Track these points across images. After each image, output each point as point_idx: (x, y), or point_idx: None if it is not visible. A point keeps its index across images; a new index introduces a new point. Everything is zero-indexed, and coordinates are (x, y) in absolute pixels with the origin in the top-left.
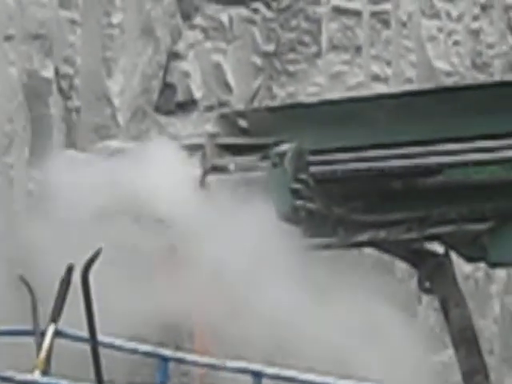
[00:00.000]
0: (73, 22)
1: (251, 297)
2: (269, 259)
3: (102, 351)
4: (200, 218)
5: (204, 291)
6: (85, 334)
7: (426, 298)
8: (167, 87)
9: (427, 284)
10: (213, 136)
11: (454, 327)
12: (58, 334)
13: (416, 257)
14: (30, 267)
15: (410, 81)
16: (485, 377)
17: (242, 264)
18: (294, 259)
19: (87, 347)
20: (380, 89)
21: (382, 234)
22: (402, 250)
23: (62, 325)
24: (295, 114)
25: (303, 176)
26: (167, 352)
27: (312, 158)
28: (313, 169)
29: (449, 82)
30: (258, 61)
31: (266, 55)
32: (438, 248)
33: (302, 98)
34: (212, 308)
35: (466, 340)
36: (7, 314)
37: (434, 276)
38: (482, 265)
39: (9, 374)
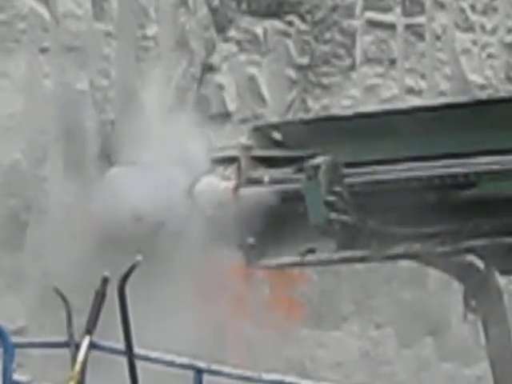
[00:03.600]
0: (107, 34)
1: None
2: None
3: (137, 363)
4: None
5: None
6: (120, 346)
7: (459, 311)
8: (201, 100)
9: (473, 302)
10: (247, 148)
11: (492, 346)
12: (92, 346)
13: (461, 271)
14: (66, 280)
15: (443, 94)
16: None
17: None
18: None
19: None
20: (414, 102)
21: (416, 246)
22: (446, 264)
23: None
24: (329, 127)
25: (338, 188)
26: (202, 364)
27: (346, 171)
28: (347, 181)
29: (483, 95)
30: (293, 73)
31: (300, 68)
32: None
33: (336, 111)
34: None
35: (503, 360)
36: (42, 325)
37: (478, 292)
38: None
39: None
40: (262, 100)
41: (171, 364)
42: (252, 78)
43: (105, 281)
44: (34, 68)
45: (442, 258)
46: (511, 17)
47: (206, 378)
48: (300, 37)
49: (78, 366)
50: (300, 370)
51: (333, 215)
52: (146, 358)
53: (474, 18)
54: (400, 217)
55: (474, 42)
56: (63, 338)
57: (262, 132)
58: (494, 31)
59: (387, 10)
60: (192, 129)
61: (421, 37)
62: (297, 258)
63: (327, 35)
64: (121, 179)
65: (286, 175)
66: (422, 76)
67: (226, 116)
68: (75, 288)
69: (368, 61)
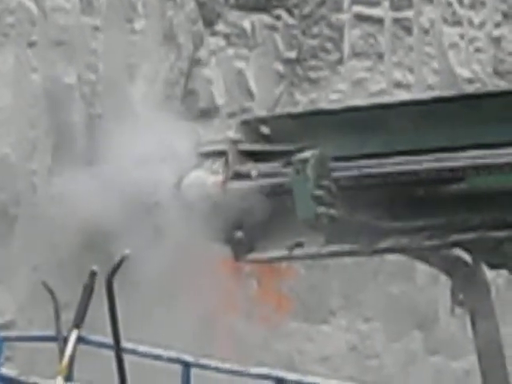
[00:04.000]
0: (95, 28)
1: None
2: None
3: (125, 357)
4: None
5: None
6: (108, 339)
7: (447, 305)
8: (189, 94)
9: (461, 296)
10: (235, 142)
11: (479, 340)
12: (80, 340)
13: (449, 265)
14: (55, 274)
15: (431, 88)
16: None
17: None
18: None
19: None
20: (402, 96)
21: (404, 240)
22: (434, 258)
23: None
24: (317, 121)
25: (326, 183)
26: (190, 358)
27: (334, 165)
28: (335, 175)
29: (470, 89)
30: (280, 67)
31: (288, 62)
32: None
33: (324, 105)
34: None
35: (490, 353)
36: (31, 320)
37: (466, 286)
38: (504, 271)
39: (32, 379)
40: (250, 94)
41: (159, 358)
42: (240, 72)
43: (93, 275)
44: (22, 62)
45: (430, 252)
46: (499, 11)
47: (194, 371)
48: (288, 31)
49: (65, 360)
50: (288, 363)
51: (321, 209)
52: (134, 352)
53: (461, 12)
54: (388, 211)
55: (462, 36)
56: (51, 332)
57: (249, 126)
58: (481, 25)
59: (375, 4)
60: (180, 123)
61: (408, 31)
62: (285, 252)
63: (315, 29)
64: (108, 173)
65: (273, 169)
66: (410, 70)
67: (213, 110)
68: (64, 282)
69: (356, 55)
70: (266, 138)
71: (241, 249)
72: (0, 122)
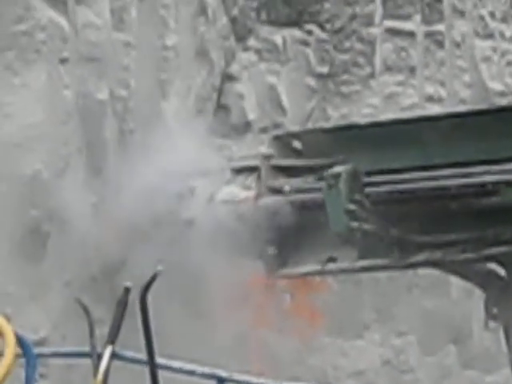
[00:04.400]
0: (127, 44)
1: None
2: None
3: (159, 373)
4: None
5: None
6: (142, 355)
7: (481, 319)
8: (221, 109)
9: (495, 310)
10: (267, 157)
11: None
12: (114, 355)
13: (482, 279)
14: (89, 290)
15: (463, 101)
16: None
17: None
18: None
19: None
20: (434, 110)
21: (437, 254)
22: (468, 271)
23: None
24: (349, 135)
25: (358, 197)
26: (224, 373)
27: (367, 179)
28: (368, 190)
29: (503, 102)
30: (312, 82)
31: (319, 77)
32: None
33: (356, 119)
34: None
35: None
36: (64, 336)
37: (499, 300)
38: None
39: None
40: (282, 109)
41: (193, 373)
42: (272, 87)
43: (127, 291)
44: (54, 78)
45: (464, 266)
46: None
47: None
48: (319, 45)
49: (100, 377)
50: (322, 378)
51: (354, 224)
52: (168, 368)
53: (493, 25)
54: (421, 225)
55: (494, 50)
56: (86, 349)
57: (282, 141)
58: None
59: (407, 18)
60: (212, 139)
61: (440, 44)
62: (318, 267)
63: (347, 44)
64: (142, 189)
65: (306, 184)
66: (442, 84)
67: (246, 125)
68: (97, 298)
69: (388, 69)
70: (299, 153)
71: (273, 264)
72: (32, 139)
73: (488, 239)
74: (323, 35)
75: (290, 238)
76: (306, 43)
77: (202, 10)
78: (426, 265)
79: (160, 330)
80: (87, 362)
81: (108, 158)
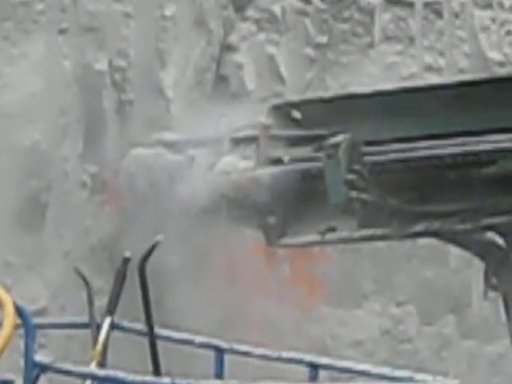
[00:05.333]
0: (126, 14)
1: None
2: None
3: (159, 344)
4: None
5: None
6: (141, 326)
7: (480, 288)
8: (220, 79)
9: (494, 280)
10: (266, 127)
11: None
12: (114, 326)
13: (482, 248)
14: (88, 260)
15: (463, 71)
16: None
17: None
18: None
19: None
20: (433, 79)
21: (436, 224)
22: (467, 241)
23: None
24: (349, 105)
25: (357, 167)
26: (223, 344)
27: (366, 149)
28: (367, 159)
29: (502, 72)
30: (311, 52)
31: (318, 46)
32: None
33: (355, 89)
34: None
35: None
36: (63, 306)
37: (499, 270)
38: None
39: (66, 366)
40: (281, 79)
41: (192, 344)
42: (271, 57)
43: (126, 261)
44: (53, 49)
45: (463, 236)
46: None
47: (227, 357)
48: (318, 15)
49: (99, 347)
50: (321, 348)
51: (353, 193)
52: (167, 338)
53: None
54: (420, 195)
55: (493, 20)
56: (85, 319)
57: (281, 111)
58: None
59: None
60: (211, 109)
61: (439, 14)
62: (317, 237)
63: (346, 13)
64: (141, 159)
65: (305, 154)
66: (441, 54)
67: (245, 95)
68: (96, 268)
69: (387, 39)
70: (298, 123)
71: (273, 234)
72: (31, 109)
73: (487, 209)
74: (322, 5)
75: (290, 208)
76: (304, 13)
77: None
78: (425, 234)
79: (159, 301)
80: (86, 332)
81: (107, 129)
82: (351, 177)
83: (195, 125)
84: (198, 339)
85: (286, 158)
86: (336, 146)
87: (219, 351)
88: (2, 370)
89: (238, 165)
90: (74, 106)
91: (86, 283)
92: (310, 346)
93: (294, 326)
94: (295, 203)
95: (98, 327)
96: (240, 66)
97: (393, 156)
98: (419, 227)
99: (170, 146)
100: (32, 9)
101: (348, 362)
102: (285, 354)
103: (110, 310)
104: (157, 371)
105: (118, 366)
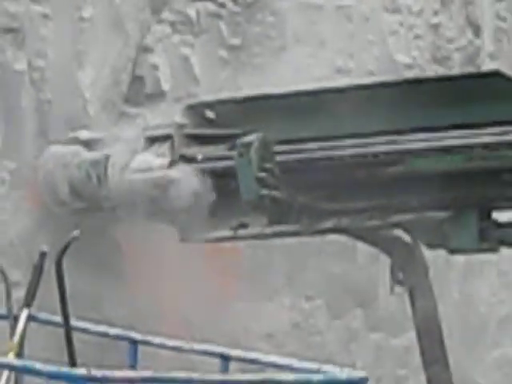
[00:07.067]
0: (45, 16)
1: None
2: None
3: (74, 335)
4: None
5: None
6: (58, 318)
7: (387, 283)
8: (136, 79)
9: (400, 275)
10: (181, 126)
11: (418, 317)
12: (31, 318)
13: (388, 245)
14: (6, 253)
15: (372, 73)
16: (445, 366)
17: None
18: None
19: (60, 331)
20: (343, 81)
21: (345, 221)
22: (374, 238)
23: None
24: (261, 105)
25: (269, 165)
26: (136, 335)
27: (277, 148)
28: (278, 158)
29: (409, 74)
30: (225, 54)
31: (232, 48)
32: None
33: (268, 90)
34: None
35: (429, 330)
36: None
37: (405, 265)
38: (442, 252)
39: None
40: (196, 80)
41: (107, 335)
42: (185, 59)
43: (43, 255)
44: None
45: (371, 233)
46: None
47: (141, 348)
48: (232, 18)
49: (16, 338)
50: (233, 340)
51: (264, 191)
52: (82, 330)
53: (400, 0)
54: (329, 193)
55: (401, 24)
56: (2, 311)
57: (195, 110)
58: (420, 13)
59: None
60: (127, 108)
61: (349, 18)
62: (230, 233)
63: (259, 16)
64: (58, 157)
65: (218, 152)
66: (351, 56)
67: (160, 95)
68: (15, 263)
69: (298, 41)
70: (211, 122)
71: (186, 230)
72: None
73: (394, 207)
74: (236, 8)
75: (203, 204)
76: (218, 16)
77: None
78: (334, 231)
79: (75, 293)
80: (4, 324)
81: (26, 127)
82: (262, 175)
83: (111, 124)
84: (113, 331)
85: (199, 157)
86: (248, 145)
87: (133, 343)
88: None
89: (153, 162)
90: None
91: (4, 276)
92: (222, 338)
93: (208, 320)
94: (208, 200)
95: (16, 319)
96: (155, 67)
97: (303, 155)
98: (328, 224)
99: (86, 143)
100: None
101: (258, 353)
102: (196, 346)
103: (28, 303)
104: (72, 362)
105: (35, 357)
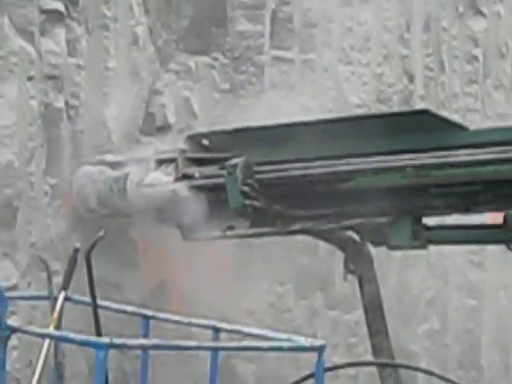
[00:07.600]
0: (78, 66)
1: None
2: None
3: (100, 312)
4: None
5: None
6: (87, 299)
7: (341, 273)
8: (149, 115)
9: (351, 266)
10: (183, 151)
11: (365, 298)
12: (67, 299)
13: (343, 243)
14: (48, 249)
15: (330, 111)
16: (386, 336)
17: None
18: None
19: (89, 309)
20: (308, 117)
21: (309, 224)
22: (332, 237)
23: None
24: (246, 135)
25: (250, 181)
26: (148, 312)
27: (257, 168)
28: (258, 176)
29: (359, 112)
30: (217, 96)
31: (223, 92)
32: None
33: (250, 124)
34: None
35: (373, 308)
36: (30, 284)
37: (355, 259)
38: (384, 248)
39: (31, 328)
40: (195, 115)
41: (125, 312)
42: (187, 99)
43: (76, 250)
44: (23, 91)
45: (328, 233)
46: (380, 54)
47: (152, 322)
48: (223, 68)
49: (55, 314)
50: (223, 316)
51: (247, 201)
52: (106, 308)
53: (352, 55)
54: (297, 202)
55: (353, 73)
56: (45, 293)
57: (194, 139)
58: (367, 64)
59: (288, 48)
60: (142, 137)
61: (313, 69)
62: (220, 233)
63: (243, 67)
64: (88, 175)
65: (212, 172)
66: (314, 98)
67: (167, 128)
68: (55, 256)
69: (274, 86)
70: (207, 148)
71: (187, 231)
72: (6, 136)
73: (347, 213)
74: (226, 61)
75: (200, 211)
76: (212, 67)
77: (135, 41)
78: (301, 232)
79: (100, 280)
80: (46, 303)
81: (64, 151)
82: (246, 189)
83: (130, 149)
84: (129, 308)
85: (197, 175)
86: (235, 166)
87: (145, 318)
88: None
89: (162, 179)
90: (39, 134)
91: (46, 266)
92: (214, 314)
93: (203, 300)
94: (204, 208)
95: (55, 299)
96: (164, 106)
97: (277, 174)
98: (296, 227)
99: (110, 164)
100: (8, 61)
101: (242, 326)
102: (194, 320)
103: (65, 287)
104: (98, 333)
105: (69, 328)
